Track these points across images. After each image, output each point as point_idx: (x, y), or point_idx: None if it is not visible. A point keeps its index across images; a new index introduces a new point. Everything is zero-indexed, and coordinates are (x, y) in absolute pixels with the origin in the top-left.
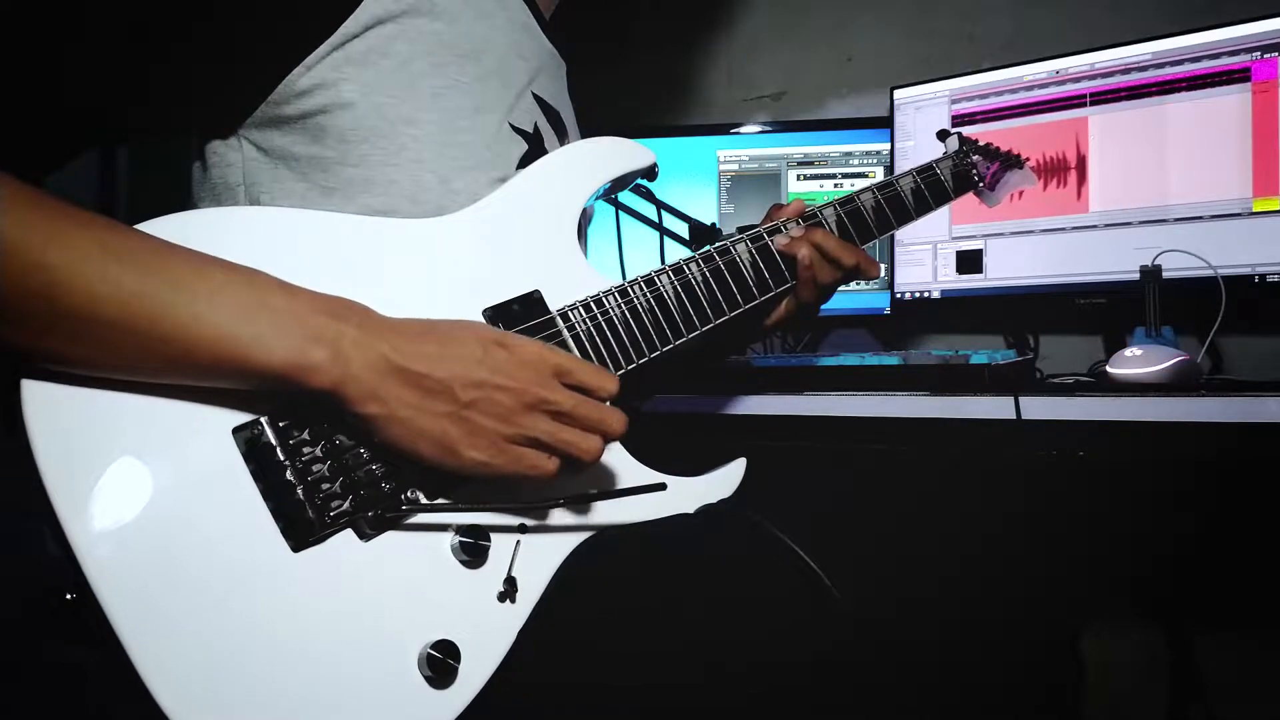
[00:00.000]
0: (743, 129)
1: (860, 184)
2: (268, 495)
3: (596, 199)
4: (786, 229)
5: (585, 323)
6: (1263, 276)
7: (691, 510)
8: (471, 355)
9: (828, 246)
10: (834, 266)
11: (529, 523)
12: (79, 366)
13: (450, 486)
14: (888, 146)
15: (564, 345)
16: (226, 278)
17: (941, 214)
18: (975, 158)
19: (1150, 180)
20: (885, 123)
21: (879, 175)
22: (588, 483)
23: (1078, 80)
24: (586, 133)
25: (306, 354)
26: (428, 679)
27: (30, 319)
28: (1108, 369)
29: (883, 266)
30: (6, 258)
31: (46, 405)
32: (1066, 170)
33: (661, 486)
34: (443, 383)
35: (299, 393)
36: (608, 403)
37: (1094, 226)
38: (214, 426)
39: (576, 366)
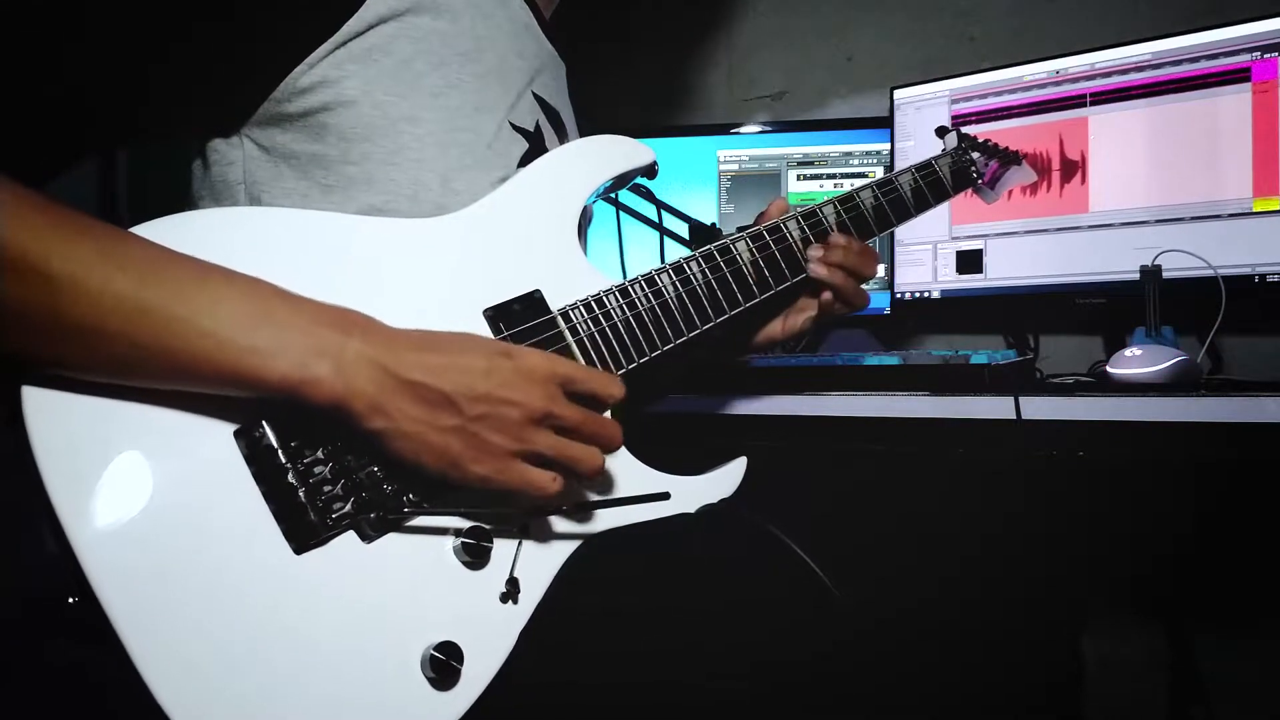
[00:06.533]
0: (743, 129)
1: (860, 184)
2: (270, 497)
3: (597, 198)
4: (787, 227)
5: (586, 322)
6: (1263, 276)
7: (692, 510)
8: (477, 367)
9: (849, 262)
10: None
11: (531, 524)
12: (82, 373)
13: (452, 489)
14: (888, 146)
15: (564, 345)
16: (228, 288)
17: (941, 214)
18: (974, 154)
19: (1150, 180)
20: (885, 123)
21: (879, 175)
22: (591, 483)
23: (1078, 80)
24: (586, 133)
25: (309, 367)
26: (430, 680)
27: (33, 329)
28: (1108, 369)
29: (882, 266)
30: (9, 267)
31: (47, 407)
32: (1066, 170)
33: (665, 496)
34: (448, 395)
35: (303, 405)
36: (608, 414)
37: (1094, 226)
38: (216, 429)
39: (583, 375)
